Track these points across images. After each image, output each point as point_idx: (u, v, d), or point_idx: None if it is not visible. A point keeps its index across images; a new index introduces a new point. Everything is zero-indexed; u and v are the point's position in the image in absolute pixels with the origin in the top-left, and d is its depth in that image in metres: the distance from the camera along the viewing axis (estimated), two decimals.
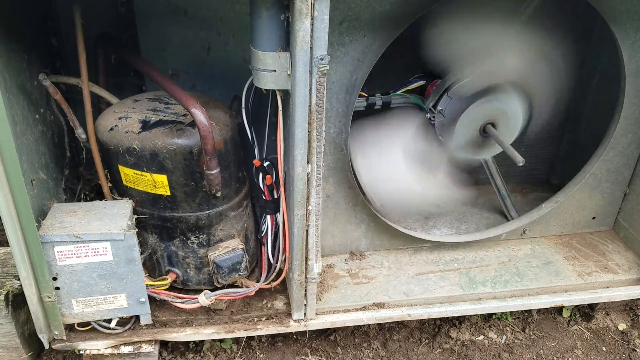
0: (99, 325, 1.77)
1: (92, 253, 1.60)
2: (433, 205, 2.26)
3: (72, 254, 1.59)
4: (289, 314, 1.90)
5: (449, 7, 1.72)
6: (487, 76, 1.90)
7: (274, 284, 1.93)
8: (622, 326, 2.21)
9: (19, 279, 1.68)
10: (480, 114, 1.95)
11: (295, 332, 2.05)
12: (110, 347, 1.79)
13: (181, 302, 1.83)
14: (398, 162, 1.99)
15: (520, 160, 1.80)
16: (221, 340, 2.04)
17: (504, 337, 2.15)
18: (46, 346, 1.74)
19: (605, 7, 1.74)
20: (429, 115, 2.00)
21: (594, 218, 2.32)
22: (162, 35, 1.91)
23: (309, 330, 2.06)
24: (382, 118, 1.99)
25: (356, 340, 2.10)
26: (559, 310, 2.25)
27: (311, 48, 1.34)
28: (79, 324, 1.77)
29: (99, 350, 1.78)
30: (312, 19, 1.30)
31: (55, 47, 1.87)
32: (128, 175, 1.68)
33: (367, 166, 1.98)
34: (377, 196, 2.04)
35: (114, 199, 1.79)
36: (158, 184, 1.66)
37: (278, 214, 1.85)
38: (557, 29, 1.93)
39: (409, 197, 2.05)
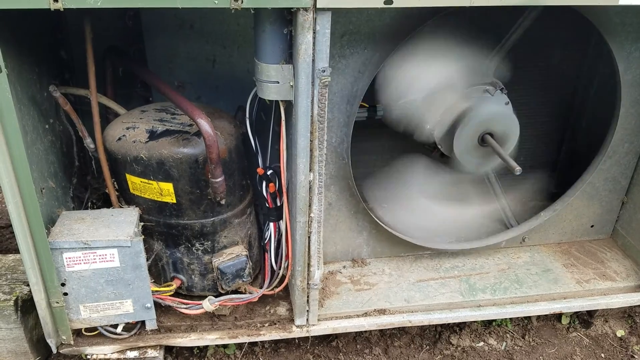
0: (105, 330, 1.80)
1: (100, 259, 1.63)
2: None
3: (80, 260, 1.62)
4: (292, 320, 1.92)
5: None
6: None
7: (277, 290, 1.95)
8: (620, 333, 2.23)
9: (28, 285, 1.71)
10: (476, 124, 1.93)
11: (298, 337, 2.07)
12: (117, 352, 1.81)
13: (186, 308, 1.85)
14: (418, 202, 2.10)
15: (517, 169, 1.82)
16: (225, 346, 2.06)
17: (504, 343, 2.17)
18: (54, 351, 1.77)
19: (601, 20, 1.78)
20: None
21: (592, 226, 2.35)
22: (169, 48, 1.95)
23: (311, 336, 2.08)
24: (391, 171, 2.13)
25: (358, 346, 2.12)
26: (558, 317, 2.27)
27: (313, 60, 1.38)
28: (86, 329, 1.79)
29: (105, 355, 1.81)
30: (314, 32, 1.34)
31: (64, 59, 1.89)
32: (135, 183, 1.71)
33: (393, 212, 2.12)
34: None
35: (121, 206, 1.82)
36: (164, 192, 1.69)
37: (281, 221, 1.88)
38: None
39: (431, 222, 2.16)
